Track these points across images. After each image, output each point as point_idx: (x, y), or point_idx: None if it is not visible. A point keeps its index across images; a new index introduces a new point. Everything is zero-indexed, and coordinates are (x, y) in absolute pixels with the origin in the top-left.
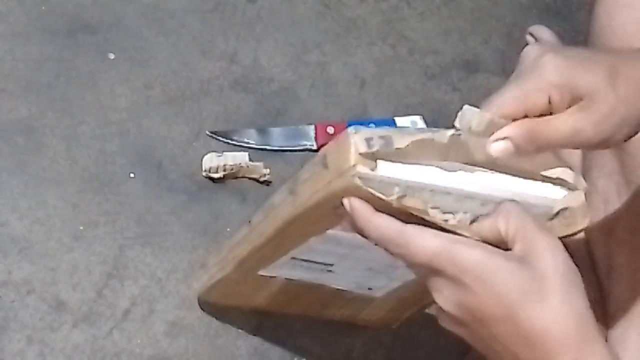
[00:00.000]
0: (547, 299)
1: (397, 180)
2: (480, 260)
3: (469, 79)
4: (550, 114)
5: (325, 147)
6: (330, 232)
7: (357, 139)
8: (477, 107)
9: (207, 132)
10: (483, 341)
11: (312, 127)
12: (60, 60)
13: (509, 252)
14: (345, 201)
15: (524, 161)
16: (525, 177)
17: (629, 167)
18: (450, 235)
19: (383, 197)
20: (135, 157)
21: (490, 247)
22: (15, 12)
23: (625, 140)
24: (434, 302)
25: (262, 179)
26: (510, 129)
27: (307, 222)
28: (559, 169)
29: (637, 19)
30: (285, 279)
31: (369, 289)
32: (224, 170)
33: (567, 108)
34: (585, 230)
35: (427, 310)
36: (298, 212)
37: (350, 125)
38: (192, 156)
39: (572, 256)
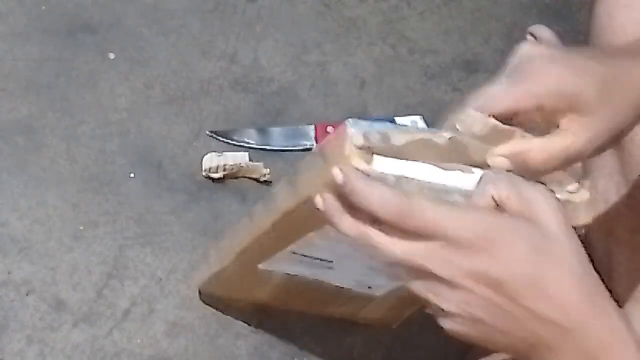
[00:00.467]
0: (559, 254)
1: (392, 175)
2: (490, 221)
3: (469, 79)
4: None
5: (325, 139)
6: (329, 226)
7: (354, 132)
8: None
9: (207, 132)
10: (494, 313)
11: (312, 127)
12: (60, 60)
13: (512, 213)
14: (335, 171)
15: None
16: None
17: (629, 166)
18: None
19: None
20: (135, 157)
21: (496, 210)
22: (15, 12)
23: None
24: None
25: (262, 179)
26: (505, 154)
27: (305, 214)
28: (559, 173)
29: (637, 19)
30: (286, 274)
31: (369, 287)
32: (224, 170)
33: (557, 114)
34: (586, 228)
35: (427, 310)
36: (296, 203)
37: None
38: (192, 156)
39: None
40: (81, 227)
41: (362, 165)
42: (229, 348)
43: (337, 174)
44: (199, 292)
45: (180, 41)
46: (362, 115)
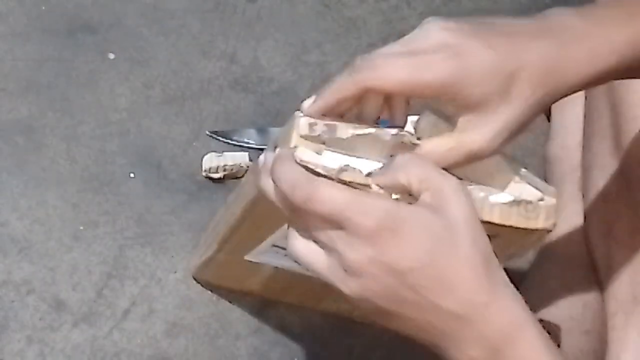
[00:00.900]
0: (458, 244)
1: (335, 166)
2: (393, 210)
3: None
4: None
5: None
6: None
7: (301, 122)
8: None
9: (207, 132)
10: (397, 301)
11: None
12: (60, 60)
13: (418, 202)
14: (277, 149)
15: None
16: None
17: (628, 166)
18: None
19: (323, 171)
20: (135, 157)
21: (402, 199)
22: (15, 12)
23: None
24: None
25: None
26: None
27: (270, 203)
28: (519, 185)
29: None
30: (274, 267)
31: None
32: (224, 170)
33: (455, 108)
34: (585, 230)
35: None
36: (257, 191)
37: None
38: (192, 156)
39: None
40: (81, 227)
41: (307, 155)
42: (229, 348)
43: (277, 150)
44: (193, 278)
45: (180, 41)
46: None
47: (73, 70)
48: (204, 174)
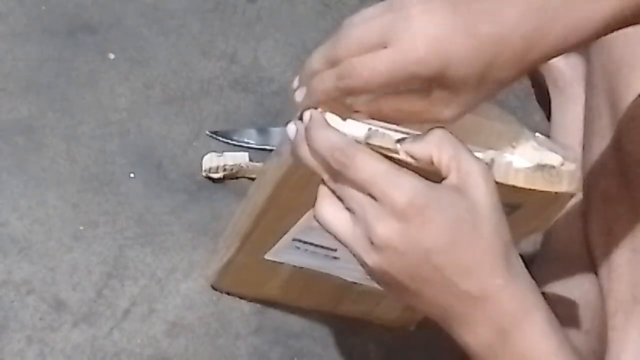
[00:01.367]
0: (481, 229)
1: (365, 128)
2: (425, 189)
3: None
4: None
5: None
6: None
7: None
8: None
9: (207, 132)
10: (416, 278)
11: None
12: (60, 60)
13: (445, 181)
14: (307, 113)
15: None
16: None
17: (628, 166)
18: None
19: (351, 136)
20: (135, 157)
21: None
22: (15, 12)
23: None
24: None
25: None
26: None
27: (295, 186)
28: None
29: None
30: (293, 266)
31: None
32: (224, 170)
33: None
34: (585, 230)
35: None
36: (283, 172)
37: None
38: (192, 156)
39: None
40: (81, 227)
41: (333, 120)
42: (229, 348)
43: (306, 114)
44: (212, 288)
45: (180, 41)
46: None
47: (73, 70)
48: (204, 174)
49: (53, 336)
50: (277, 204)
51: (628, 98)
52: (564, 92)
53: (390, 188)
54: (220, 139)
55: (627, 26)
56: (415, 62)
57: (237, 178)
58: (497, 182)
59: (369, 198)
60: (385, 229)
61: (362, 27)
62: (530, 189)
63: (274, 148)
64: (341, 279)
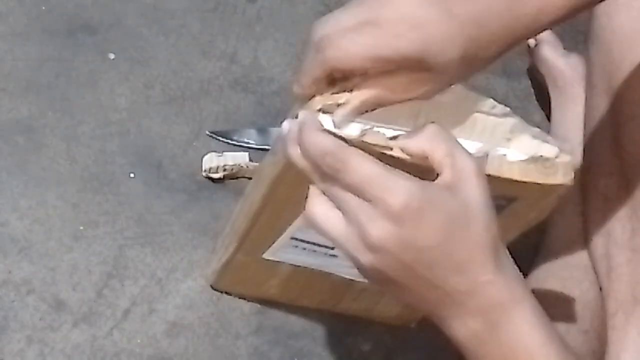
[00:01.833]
0: (472, 227)
1: (359, 126)
2: (419, 191)
3: (469, 79)
4: None
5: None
6: None
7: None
8: None
9: (207, 132)
10: (409, 275)
11: None
12: (60, 60)
13: (438, 179)
14: (300, 114)
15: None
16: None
17: (628, 165)
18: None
19: (345, 135)
20: (135, 157)
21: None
22: (15, 12)
23: None
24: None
25: None
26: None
27: (291, 183)
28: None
29: (636, 18)
30: (292, 265)
31: None
32: (224, 170)
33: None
34: (585, 230)
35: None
36: (279, 169)
37: None
38: (192, 156)
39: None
40: (81, 227)
41: (327, 121)
42: (229, 348)
43: (300, 115)
44: (212, 288)
45: (180, 41)
46: None
47: (73, 70)
48: (204, 174)
49: (53, 336)
50: (274, 201)
51: (628, 97)
52: (564, 92)
53: (383, 191)
54: (220, 139)
55: (595, 5)
56: (396, 37)
57: (237, 178)
58: (491, 175)
59: (361, 200)
60: (379, 230)
61: (342, 13)
62: (525, 182)
63: None
64: (341, 277)
